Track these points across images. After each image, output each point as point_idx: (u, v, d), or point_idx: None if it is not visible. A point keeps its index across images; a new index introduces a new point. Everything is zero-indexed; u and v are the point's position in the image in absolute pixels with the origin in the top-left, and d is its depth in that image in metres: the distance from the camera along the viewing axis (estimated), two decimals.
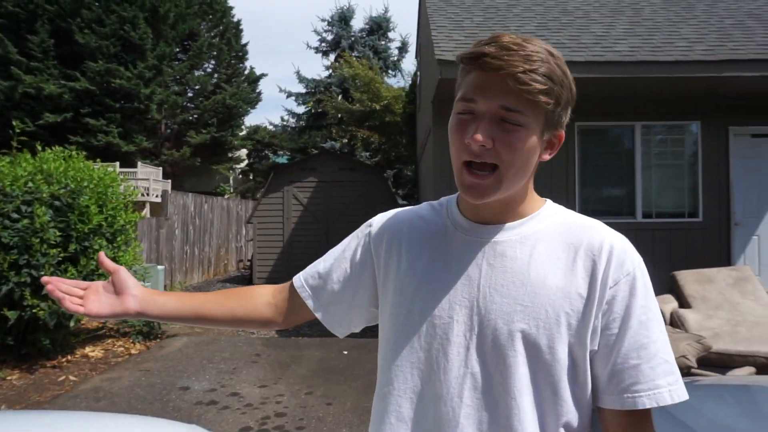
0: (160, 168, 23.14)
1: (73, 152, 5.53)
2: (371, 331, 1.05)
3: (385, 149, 15.69)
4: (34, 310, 4.64)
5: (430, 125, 6.93)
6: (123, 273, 1.02)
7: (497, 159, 0.81)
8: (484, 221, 0.90)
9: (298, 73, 18.12)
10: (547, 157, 0.88)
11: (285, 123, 20.14)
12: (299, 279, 1.07)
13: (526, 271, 0.84)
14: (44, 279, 0.97)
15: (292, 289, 1.07)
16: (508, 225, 0.89)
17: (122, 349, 5.84)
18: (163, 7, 24.86)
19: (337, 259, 1.04)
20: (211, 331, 6.93)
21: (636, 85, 5.73)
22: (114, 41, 23.55)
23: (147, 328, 6.26)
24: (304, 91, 18.34)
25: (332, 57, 18.73)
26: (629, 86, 5.78)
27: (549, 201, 0.94)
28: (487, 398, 0.83)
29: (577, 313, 0.82)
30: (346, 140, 17.07)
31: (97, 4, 23.55)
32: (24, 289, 4.58)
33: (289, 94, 18.46)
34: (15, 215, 4.55)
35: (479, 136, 0.79)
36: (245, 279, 11.84)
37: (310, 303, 1.04)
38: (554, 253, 0.85)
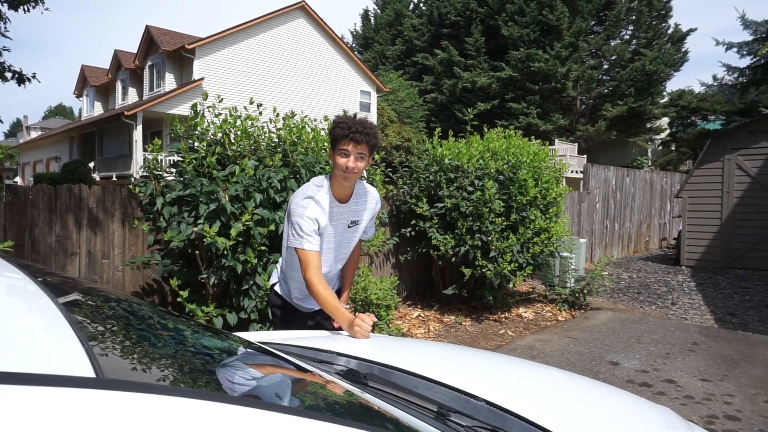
0: (575, 144, 23.51)
1: (511, 131, 6.14)
2: None
3: None
4: (483, 270, 5.44)
5: None
6: None
7: None
8: None
9: (743, 17, 14.95)
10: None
11: (720, 82, 17.11)
12: None
13: None
14: None
15: None
16: None
17: (550, 314, 6.21)
18: None
19: None
20: (637, 310, 6.60)
21: None
22: (533, 27, 25.08)
23: (572, 298, 6.47)
24: (750, 38, 15.07)
25: None
26: None
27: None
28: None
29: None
30: None
31: None
32: (476, 251, 5.42)
33: (729, 46, 15.48)
34: (470, 188, 5.40)
35: None
36: (670, 259, 10.79)
37: None
38: None
